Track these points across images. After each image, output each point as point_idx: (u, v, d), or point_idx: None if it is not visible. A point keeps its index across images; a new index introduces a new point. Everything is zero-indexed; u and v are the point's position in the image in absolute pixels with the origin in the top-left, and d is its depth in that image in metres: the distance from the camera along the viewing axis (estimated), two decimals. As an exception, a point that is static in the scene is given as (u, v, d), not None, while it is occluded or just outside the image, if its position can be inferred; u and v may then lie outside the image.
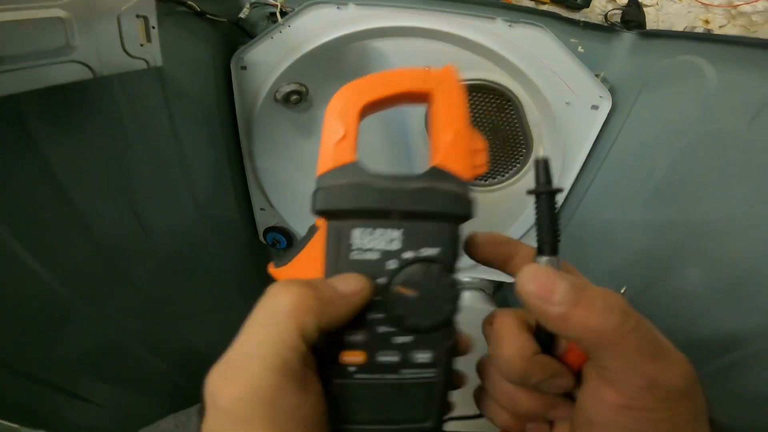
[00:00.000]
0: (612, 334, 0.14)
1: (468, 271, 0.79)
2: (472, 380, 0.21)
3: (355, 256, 0.17)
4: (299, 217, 0.73)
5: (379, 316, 0.17)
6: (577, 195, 0.63)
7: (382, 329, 0.17)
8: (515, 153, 0.62)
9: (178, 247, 0.54)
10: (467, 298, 0.81)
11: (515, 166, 0.63)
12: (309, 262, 0.18)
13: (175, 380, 0.62)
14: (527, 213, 0.67)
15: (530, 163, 0.63)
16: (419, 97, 0.19)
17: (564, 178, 0.61)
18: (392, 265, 0.17)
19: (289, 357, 0.14)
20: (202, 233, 0.60)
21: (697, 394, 0.15)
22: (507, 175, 0.64)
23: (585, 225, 0.61)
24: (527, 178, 0.64)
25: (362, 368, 0.17)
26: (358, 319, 0.17)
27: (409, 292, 0.17)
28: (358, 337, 0.17)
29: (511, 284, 0.82)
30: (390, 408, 0.17)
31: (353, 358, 0.17)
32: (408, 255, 0.17)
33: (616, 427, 0.15)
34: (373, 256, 0.17)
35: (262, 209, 0.75)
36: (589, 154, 0.60)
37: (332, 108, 0.19)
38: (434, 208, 0.17)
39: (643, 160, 0.51)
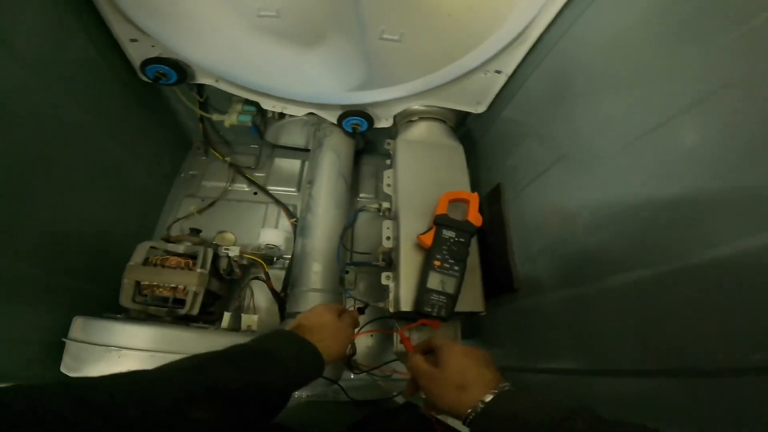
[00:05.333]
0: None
1: (425, 98, 0.65)
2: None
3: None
4: (189, 39, 0.52)
5: (446, 251, 0.54)
6: None
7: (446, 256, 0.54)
8: None
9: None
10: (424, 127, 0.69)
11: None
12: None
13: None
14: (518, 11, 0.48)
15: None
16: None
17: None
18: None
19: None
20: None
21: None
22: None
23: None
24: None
25: (439, 267, 0.53)
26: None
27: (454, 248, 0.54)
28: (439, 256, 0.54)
29: (476, 116, 0.69)
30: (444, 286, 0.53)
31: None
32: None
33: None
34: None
35: (133, 40, 0.53)
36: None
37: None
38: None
39: None
